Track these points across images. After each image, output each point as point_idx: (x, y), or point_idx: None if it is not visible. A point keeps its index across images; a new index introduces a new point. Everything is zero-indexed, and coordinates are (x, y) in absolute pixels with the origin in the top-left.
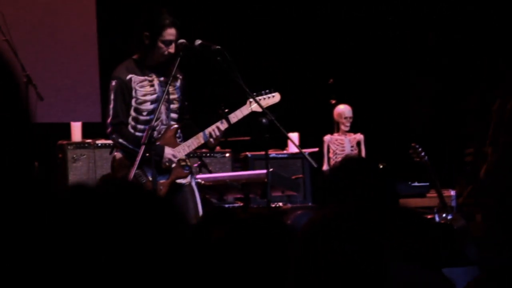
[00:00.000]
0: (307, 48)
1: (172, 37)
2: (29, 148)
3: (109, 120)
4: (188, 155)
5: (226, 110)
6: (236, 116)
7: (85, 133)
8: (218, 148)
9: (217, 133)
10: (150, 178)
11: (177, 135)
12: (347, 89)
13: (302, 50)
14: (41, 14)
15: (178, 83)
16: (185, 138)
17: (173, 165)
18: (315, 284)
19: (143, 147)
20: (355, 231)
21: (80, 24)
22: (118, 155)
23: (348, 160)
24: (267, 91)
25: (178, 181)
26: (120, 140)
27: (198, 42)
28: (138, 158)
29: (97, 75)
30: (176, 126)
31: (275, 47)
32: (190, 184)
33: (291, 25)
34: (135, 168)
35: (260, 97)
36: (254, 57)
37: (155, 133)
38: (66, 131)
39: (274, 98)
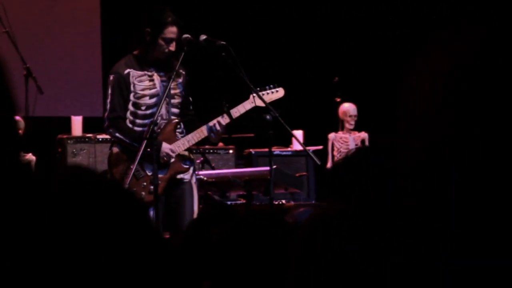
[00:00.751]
0: (313, 46)
1: (173, 35)
2: (17, 142)
3: (106, 114)
4: (191, 151)
5: (227, 105)
6: (238, 111)
7: (86, 127)
8: (221, 144)
9: (218, 128)
10: (149, 173)
11: (177, 130)
12: (352, 87)
13: (307, 48)
14: (43, 7)
15: (180, 79)
16: (188, 134)
17: (172, 160)
18: (315, 284)
19: (144, 142)
20: (356, 231)
21: (83, 18)
22: (115, 149)
23: (354, 153)
24: (271, 86)
25: (179, 176)
26: (117, 134)
27: (203, 37)
28: (140, 153)
29: (99, 69)
30: (176, 121)
31: (281, 45)
32: (190, 181)
33: (296, 23)
34: (136, 163)
35: (263, 92)
36: (259, 54)
37: (155, 128)
38: (66, 125)
39: (278, 93)
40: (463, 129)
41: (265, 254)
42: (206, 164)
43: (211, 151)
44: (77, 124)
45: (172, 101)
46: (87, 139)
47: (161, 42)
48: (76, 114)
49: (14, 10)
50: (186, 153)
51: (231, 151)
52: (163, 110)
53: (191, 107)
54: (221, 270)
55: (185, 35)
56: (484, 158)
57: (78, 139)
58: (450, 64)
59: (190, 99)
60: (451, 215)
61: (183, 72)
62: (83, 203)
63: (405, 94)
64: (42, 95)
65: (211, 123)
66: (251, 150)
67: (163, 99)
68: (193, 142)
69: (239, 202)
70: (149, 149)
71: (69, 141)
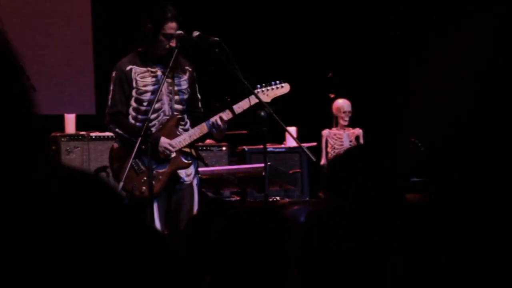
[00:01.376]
0: (307, 42)
1: (173, 31)
2: (33, 140)
3: (107, 110)
4: (197, 149)
5: (228, 99)
6: (241, 106)
7: (79, 125)
8: (214, 141)
9: (219, 123)
10: None
11: (180, 126)
12: (346, 83)
13: (301, 44)
14: (35, 5)
15: (186, 75)
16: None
17: (173, 154)
18: (316, 284)
19: (139, 139)
20: (353, 229)
21: (75, 16)
22: (115, 145)
23: (350, 150)
24: (276, 82)
25: (181, 174)
26: (117, 130)
27: (196, 33)
28: (135, 149)
29: (92, 67)
30: (178, 116)
31: (275, 41)
32: (191, 183)
33: (290, 19)
34: (132, 158)
35: (268, 88)
36: (253, 51)
37: (157, 123)
38: (59, 123)
39: (283, 88)
40: (464, 130)
41: (263, 249)
42: (199, 161)
43: (204, 148)
44: (70, 122)
45: (176, 97)
46: (80, 137)
47: (161, 38)
48: (69, 112)
49: (6, 9)
50: (188, 149)
51: (224, 148)
52: (165, 106)
53: (199, 104)
54: (221, 265)
55: (178, 32)
56: (484, 158)
57: (71, 137)
58: (452, 64)
59: (198, 96)
60: (451, 215)
61: (189, 69)
62: (73, 204)
63: (409, 94)
64: (35, 93)
65: (212, 119)
66: (244, 147)
67: (157, 96)
68: (195, 137)
69: (233, 199)
70: (143, 146)
71: (62, 139)
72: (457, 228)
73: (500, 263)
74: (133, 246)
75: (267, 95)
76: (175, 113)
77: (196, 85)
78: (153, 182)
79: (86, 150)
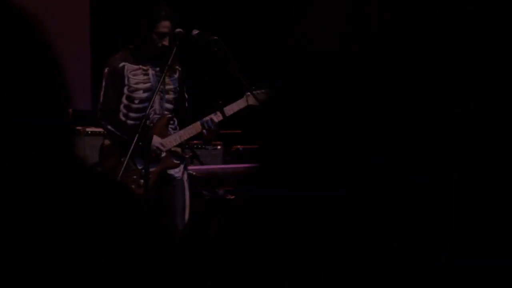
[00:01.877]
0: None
1: (166, 30)
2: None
3: (98, 106)
4: (183, 147)
5: (220, 102)
6: (232, 109)
7: (75, 120)
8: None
9: (210, 124)
10: (139, 167)
11: (170, 125)
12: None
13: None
14: (31, 0)
15: (176, 75)
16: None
17: (163, 154)
18: (315, 283)
19: (136, 136)
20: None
21: (72, 11)
22: (106, 142)
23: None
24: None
25: (170, 172)
26: (109, 127)
27: (195, 32)
28: (132, 147)
29: (89, 62)
30: (169, 116)
31: (271, 41)
32: (181, 178)
33: (287, 19)
34: (128, 157)
35: (258, 91)
36: (251, 50)
37: (147, 122)
38: None
39: None
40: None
41: (262, 248)
42: (195, 159)
43: (200, 146)
44: None
45: (167, 96)
46: (76, 132)
47: (154, 36)
48: None
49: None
50: (178, 149)
51: (219, 147)
52: (156, 105)
53: (186, 104)
54: (220, 265)
55: (178, 30)
56: (484, 158)
57: None
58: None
59: (186, 96)
60: (451, 215)
61: (179, 68)
62: (81, 197)
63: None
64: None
65: (204, 119)
66: (239, 146)
67: (155, 94)
68: (186, 137)
69: (227, 197)
70: (140, 143)
71: None
72: (457, 228)
73: (500, 263)
74: (147, 246)
75: (258, 98)
76: (165, 112)
77: (184, 85)
78: (142, 181)
79: (82, 146)
